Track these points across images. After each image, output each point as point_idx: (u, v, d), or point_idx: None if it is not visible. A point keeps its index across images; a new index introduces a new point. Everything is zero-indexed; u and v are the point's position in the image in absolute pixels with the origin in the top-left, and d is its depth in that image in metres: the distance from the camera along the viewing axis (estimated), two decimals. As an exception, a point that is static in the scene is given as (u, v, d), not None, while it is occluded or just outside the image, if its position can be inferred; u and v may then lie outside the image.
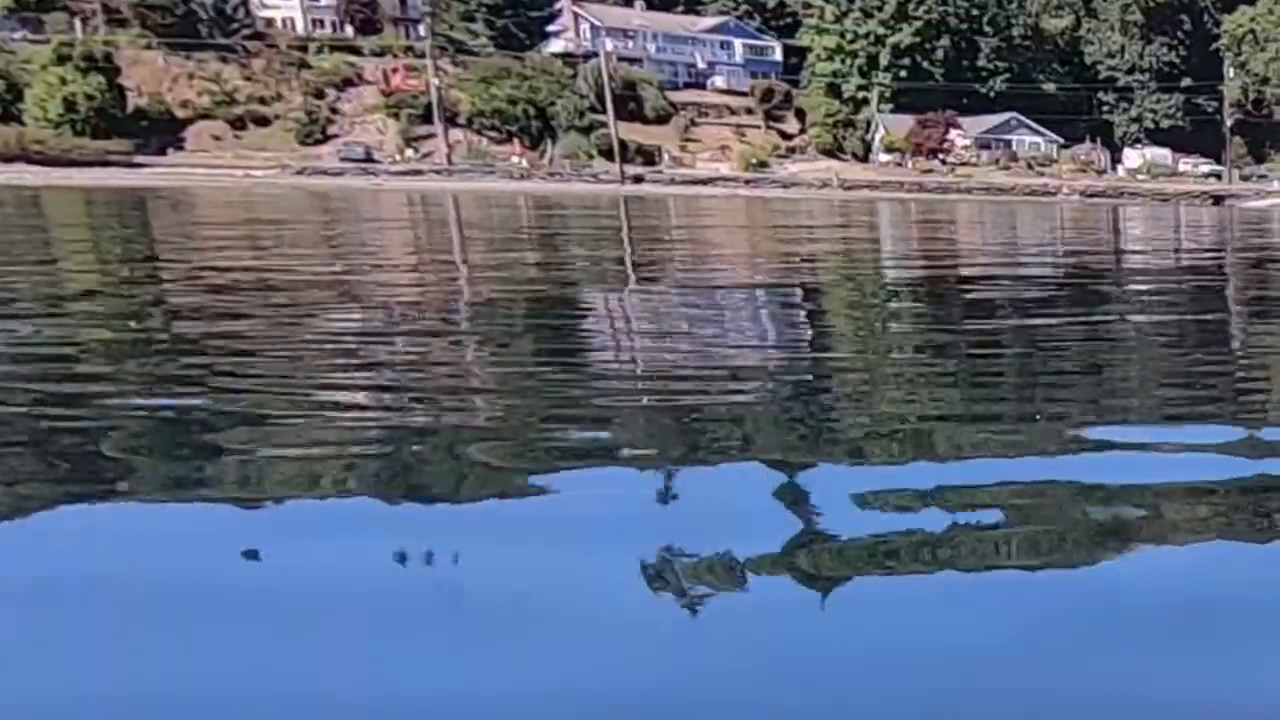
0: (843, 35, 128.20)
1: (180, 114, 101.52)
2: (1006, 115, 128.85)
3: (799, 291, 18.70)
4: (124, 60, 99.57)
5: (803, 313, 15.88)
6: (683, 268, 23.86)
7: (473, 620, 4.37)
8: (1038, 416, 7.84)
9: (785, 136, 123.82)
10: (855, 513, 5.67)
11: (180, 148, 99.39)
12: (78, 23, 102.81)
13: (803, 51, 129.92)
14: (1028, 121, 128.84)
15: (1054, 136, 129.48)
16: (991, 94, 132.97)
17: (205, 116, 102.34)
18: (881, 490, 6.01)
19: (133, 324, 13.04)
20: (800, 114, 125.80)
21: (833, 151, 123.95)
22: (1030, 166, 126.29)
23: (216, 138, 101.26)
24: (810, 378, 9.99)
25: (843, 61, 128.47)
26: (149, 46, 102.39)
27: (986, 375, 10.39)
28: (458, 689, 3.81)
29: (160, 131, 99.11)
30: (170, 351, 10.95)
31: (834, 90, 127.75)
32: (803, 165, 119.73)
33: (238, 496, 6.13)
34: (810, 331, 13.90)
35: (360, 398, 8.93)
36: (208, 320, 13.19)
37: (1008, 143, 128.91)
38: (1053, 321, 14.67)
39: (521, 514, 5.85)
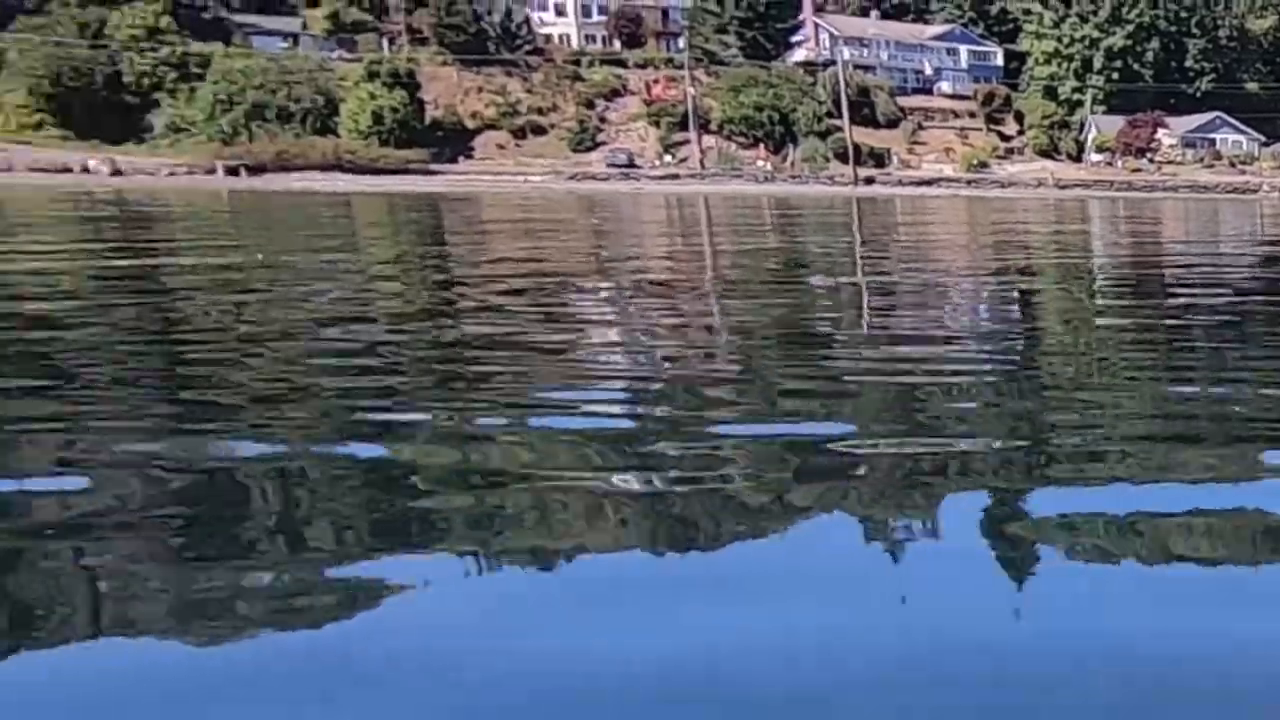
0: (1060, 39, 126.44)
1: (470, 125, 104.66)
2: (1211, 114, 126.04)
3: (1012, 284, 18.75)
4: (424, 76, 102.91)
5: (1015, 305, 15.73)
6: (905, 258, 24.50)
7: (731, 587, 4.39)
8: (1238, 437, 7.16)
9: (1004, 138, 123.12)
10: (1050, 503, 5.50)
11: (470, 156, 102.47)
12: (385, 42, 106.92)
13: (1022, 56, 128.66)
14: (1231, 120, 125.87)
15: (1256, 135, 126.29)
16: (1197, 94, 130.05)
17: (491, 127, 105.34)
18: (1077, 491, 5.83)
19: (424, 294, 14.91)
20: (1019, 116, 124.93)
21: (1048, 152, 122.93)
22: (1232, 164, 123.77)
23: (501, 146, 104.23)
24: (1022, 372, 9.80)
25: (1059, 65, 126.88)
26: (445, 63, 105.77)
27: (1186, 371, 9.92)
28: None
29: (453, 141, 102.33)
30: (457, 318, 12.48)
31: (1050, 93, 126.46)
32: (1020, 166, 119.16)
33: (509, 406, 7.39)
34: (1021, 324, 13.80)
35: (614, 359, 9.88)
36: (488, 294, 14.98)
37: (1211, 141, 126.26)
38: (1256, 312, 14.62)
39: (751, 471, 6.02)
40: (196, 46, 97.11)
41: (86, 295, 14.32)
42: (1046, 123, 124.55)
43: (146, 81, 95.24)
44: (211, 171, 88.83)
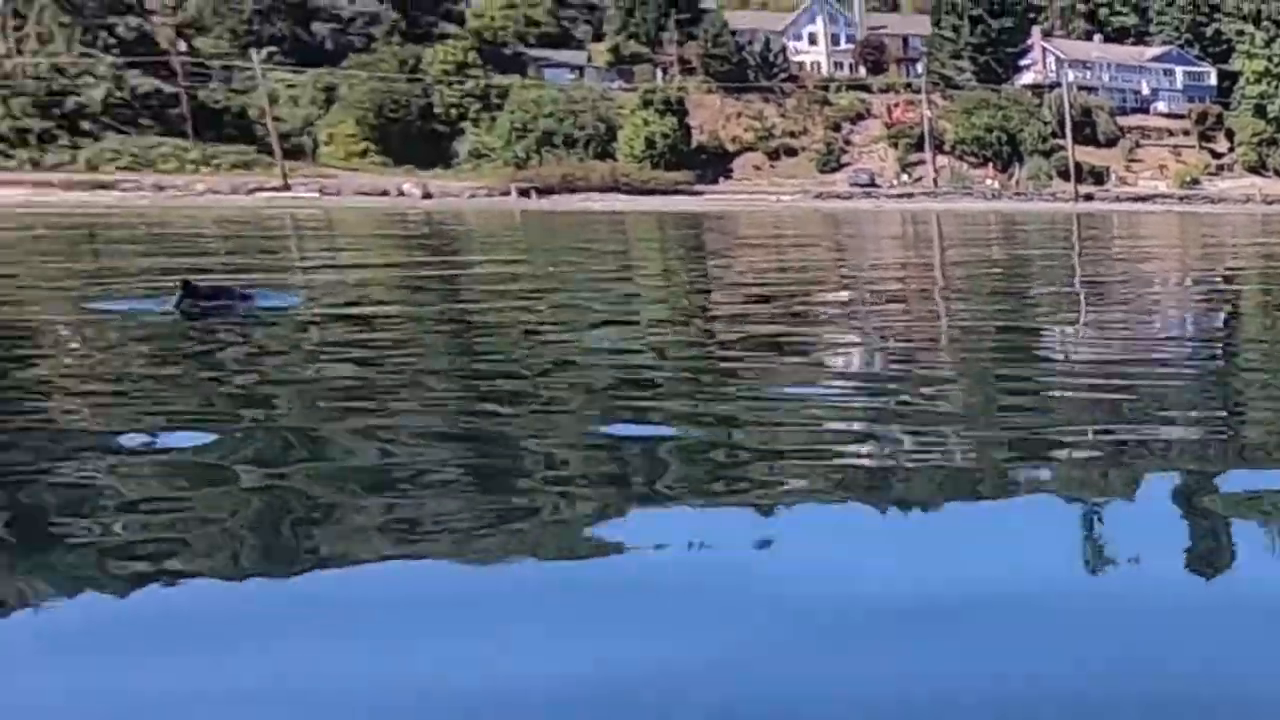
0: (1270, 59, 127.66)
1: (730, 148, 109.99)
2: None
3: (1216, 290, 19.17)
4: (691, 103, 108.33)
5: (1218, 310, 15.92)
6: (1119, 269, 25.03)
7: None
8: None
9: (1215, 155, 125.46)
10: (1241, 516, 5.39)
11: (729, 177, 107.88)
12: (659, 72, 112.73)
13: (1234, 75, 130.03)
14: None
15: None
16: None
17: (749, 150, 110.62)
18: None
19: (685, 300, 16.15)
20: (1229, 134, 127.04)
21: (1256, 168, 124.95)
22: None
23: (757, 167, 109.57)
24: (1222, 371, 9.93)
25: (1269, 84, 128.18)
26: (710, 90, 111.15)
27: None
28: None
29: (714, 163, 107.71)
30: (710, 321, 13.86)
31: (1260, 111, 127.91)
32: (1229, 182, 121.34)
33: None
34: (1222, 327, 13.96)
35: (849, 356, 10.53)
36: (739, 299, 16.23)
37: None
38: None
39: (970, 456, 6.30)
40: (497, 79, 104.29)
41: (399, 299, 15.58)
42: (1255, 140, 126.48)
43: (454, 112, 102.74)
44: (506, 193, 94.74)
